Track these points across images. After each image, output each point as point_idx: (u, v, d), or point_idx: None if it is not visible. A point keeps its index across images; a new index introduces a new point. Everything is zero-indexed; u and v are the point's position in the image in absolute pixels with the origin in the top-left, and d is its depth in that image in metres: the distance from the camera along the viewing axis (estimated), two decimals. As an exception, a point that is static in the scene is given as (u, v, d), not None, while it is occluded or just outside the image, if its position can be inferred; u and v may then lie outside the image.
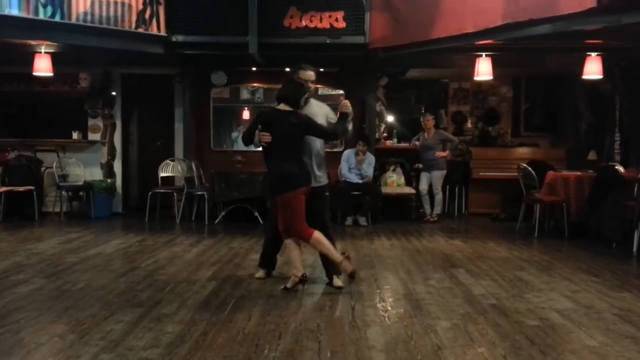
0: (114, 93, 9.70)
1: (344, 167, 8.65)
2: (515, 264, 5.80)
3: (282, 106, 4.61)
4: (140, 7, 7.79)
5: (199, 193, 8.77)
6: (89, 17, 7.43)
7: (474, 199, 9.87)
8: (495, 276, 5.24)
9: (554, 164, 8.81)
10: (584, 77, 7.97)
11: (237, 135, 10.05)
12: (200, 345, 3.36)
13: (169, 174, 9.30)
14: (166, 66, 9.29)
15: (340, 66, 9.06)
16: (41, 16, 7.16)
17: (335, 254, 4.59)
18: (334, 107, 5.04)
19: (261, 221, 8.40)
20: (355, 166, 8.60)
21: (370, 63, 8.74)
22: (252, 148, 5.21)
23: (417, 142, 9.28)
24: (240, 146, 9.87)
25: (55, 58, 8.14)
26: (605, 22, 5.81)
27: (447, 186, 9.56)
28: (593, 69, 7.77)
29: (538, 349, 3.36)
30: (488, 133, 10.61)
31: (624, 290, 4.77)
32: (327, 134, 4.74)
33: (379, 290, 4.73)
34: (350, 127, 4.85)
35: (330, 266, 4.82)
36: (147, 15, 7.85)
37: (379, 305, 4.28)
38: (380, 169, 9.27)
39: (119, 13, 7.61)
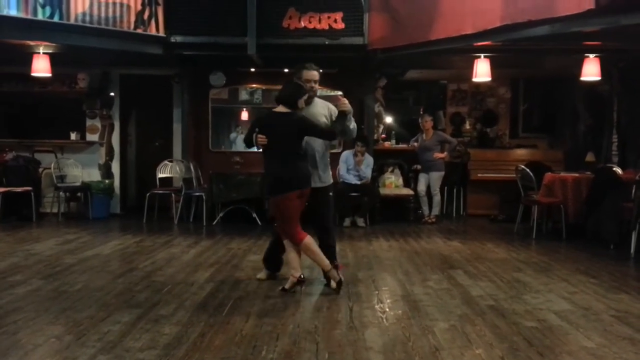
0: (112, 94, 9.69)
1: (342, 168, 8.65)
2: (513, 265, 5.80)
3: (281, 108, 4.61)
4: (139, 7, 7.79)
5: (197, 194, 8.76)
6: (87, 18, 7.43)
7: (472, 200, 9.87)
8: (493, 277, 5.25)
9: (552, 165, 8.82)
10: (582, 78, 7.98)
11: (235, 136, 10.05)
12: (198, 347, 3.35)
13: (167, 175, 9.29)
14: (165, 67, 9.28)
15: (339, 67, 9.06)
16: (40, 17, 7.16)
17: (323, 261, 4.54)
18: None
19: (259, 222, 8.39)
20: (353, 167, 8.60)
21: (369, 64, 8.74)
22: (250, 149, 5.20)
23: (415, 143, 9.29)
24: (238, 147, 9.90)
25: (53, 58, 8.13)
26: (604, 24, 5.82)
27: (446, 187, 9.57)
28: (591, 70, 7.78)
29: (536, 350, 3.36)
30: (486, 134, 10.62)
31: (621, 291, 4.78)
32: (325, 133, 4.71)
33: (377, 292, 4.73)
34: (352, 125, 4.80)
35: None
36: (145, 16, 7.85)
37: (376, 306, 4.28)
38: (379, 170, 9.27)
39: (118, 14, 7.61)
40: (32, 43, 7.80)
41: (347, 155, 8.68)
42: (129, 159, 10.48)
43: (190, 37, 8.09)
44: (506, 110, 10.79)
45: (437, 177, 9.00)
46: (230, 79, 9.69)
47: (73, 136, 9.46)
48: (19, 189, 8.61)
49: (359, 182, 8.55)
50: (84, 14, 7.41)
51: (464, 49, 7.53)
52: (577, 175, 7.58)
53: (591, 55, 7.75)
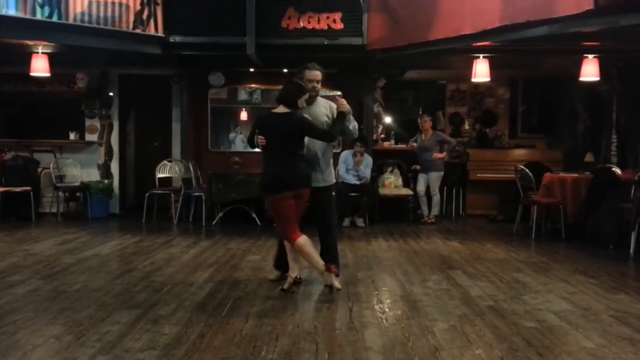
0: (111, 93, 9.68)
1: (341, 168, 8.65)
2: (513, 266, 5.80)
3: (281, 108, 4.60)
4: (138, 7, 7.79)
5: (197, 194, 8.75)
6: (86, 18, 7.42)
7: (472, 201, 9.87)
8: (493, 278, 5.25)
9: (551, 165, 8.82)
10: (581, 78, 7.99)
11: (234, 136, 10.04)
12: (197, 347, 3.35)
13: (167, 175, 9.28)
14: (164, 67, 9.28)
15: (338, 67, 9.03)
16: (38, 16, 7.16)
17: (317, 263, 4.48)
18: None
19: (259, 222, 8.39)
20: (352, 167, 8.60)
21: (368, 64, 8.75)
22: (249, 149, 5.21)
23: (414, 144, 9.29)
24: (237, 147, 9.89)
25: (52, 58, 8.12)
26: (603, 24, 5.83)
27: (445, 187, 9.56)
28: (590, 70, 7.79)
29: (535, 350, 3.36)
30: (485, 134, 10.63)
31: (620, 292, 4.78)
32: (323, 134, 4.70)
33: (376, 292, 4.73)
34: (352, 125, 4.79)
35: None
36: (144, 16, 7.85)
37: (376, 306, 4.28)
38: (378, 170, 9.27)
39: (117, 13, 7.60)
40: (30, 43, 7.80)
41: (346, 155, 8.68)
42: (128, 159, 10.48)
43: (189, 37, 8.09)
44: (505, 110, 10.79)
45: (436, 177, 9.00)
46: (229, 79, 9.70)
47: (72, 136, 9.45)
48: (18, 189, 8.61)
49: (358, 182, 8.55)
50: (82, 13, 7.41)
51: (463, 49, 7.53)
52: (576, 175, 7.58)
53: (590, 56, 7.76)
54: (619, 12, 5.60)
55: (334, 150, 8.73)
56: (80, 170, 9.40)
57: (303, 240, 4.48)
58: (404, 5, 7.71)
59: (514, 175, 8.14)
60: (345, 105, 4.67)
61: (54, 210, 9.09)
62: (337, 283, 4.74)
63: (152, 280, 4.99)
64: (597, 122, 9.44)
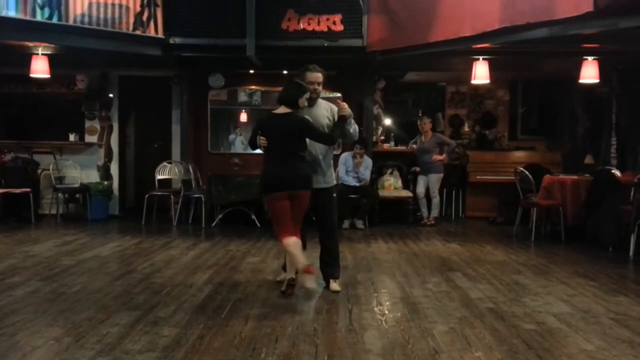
0: (111, 95, 9.68)
1: (341, 170, 8.64)
2: (512, 268, 5.80)
3: (282, 109, 4.60)
4: (138, 9, 7.79)
5: (196, 196, 8.75)
6: (86, 19, 7.43)
7: (471, 203, 9.88)
8: (492, 280, 5.24)
9: (550, 167, 8.83)
10: (581, 81, 8.00)
11: (234, 137, 10.05)
12: (197, 349, 3.35)
13: (166, 177, 9.29)
14: (164, 68, 9.28)
15: (337, 69, 9.03)
16: (38, 18, 7.16)
17: (299, 262, 4.39)
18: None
19: (258, 224, 8.39)
20: (352, 169, 8.60)
21: (368, 66, 8.75)
22: (249, 151, 5.21)
23: (414, 146, 9.29)
24: (237, 149, 9.90)
25: (52, 60, 8.12)
26: (602, 27, 5.83)
27: (444, 189, 9.57)
28: (590, 73, 7.80)
29: (535, 353, 3.36)
30: (485, 136, 10.64)
31: (620, 294, 4.78)
32: (324, 137, 4.69)
33: (376, 294, 4.73)
34: (352, 128, 4.79)
35: (328, 270, 4.82)
36: (144, 18, 7.85)
37: (376, 309, 4.28)
38: (378, 172, 9.27)
39: (117, 15, 7.61)
40: (30, 44, 7.80)
41: (346, 157, 8.68)
42: (128, 161, 10.48)
43: (189, 38, 8.10)
44: (505, 112, 10.80)
45: (435, 179, 9.00)
46: (229, 81, 9.71)
47: (72, 137, 9.45)
48: (18, 190, 8.61)
49: (357, 184, 8.55)
50: (82, 15, 7.41)
51: (462, 51, 7.53)
52: (576, 177, 7.58)
53: (590, 58, 7.77)
54: (619, 14, 5.61)
55: (334, 152, 8.84)
56: (80, 172, 9.40)
57: (290, 241, 4.43)
58: (404, 7, 7.72)
59: (513, 178, 8.14)
60: (346, 109, 4.67)
61: (54, 211, 9.08)
62: (336, 285, 4.75)
63: (152, 282, 4.98)
64: (596, 124, 9.45)
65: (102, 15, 7.51)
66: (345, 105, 4.69)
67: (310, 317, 4.06)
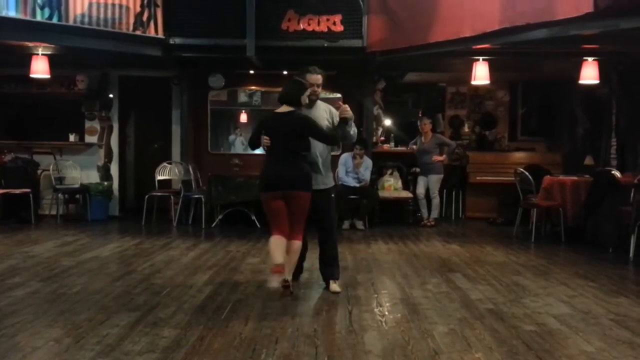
0: (111, 95, 9.68)
1: (341, 171, 8.64)
2: (512, 269, 5.80)
3: (284, 108, 4.60)
4: (138, 9, 7.80)
5: (196, 196, 8.75)
6: (86, 19, 7.43)
7: (471, 203, 9.88)
8: (492, 281, 5.24)
9: (550, 168, 8.83)
10: (581, 81, 8.00)
11: (234, 138, 10.05)
12: (197, 350, 3.34)
13: (166, 177, 9.29)
14: (164, 69, 9.28)
15: (337, 69, 9.04)
16: (39, 18, 7.16)
17: (275, 259, 4.38)
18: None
19: (258, 225, 8.38)
20: (352, 170, 8.60)
21: (368, 66, 8.75)
22: (249, 151, 5.22)
23: (414, 146, 9.29)
24: (237, 149, 9.90)
25: (52, 60, 8.12)
26: (602, 27, 5.83)
27: (444, 190, 9.57)
28: (590, 73, 7.80)
29: (535, 354, 3.36)
30: (485, 137, 10.64)
31: (620, 295, 4.78)
32: (326, 137, 4.69)
33: (376, 295, 4.72)
34: (352, 130, 4.81)
35: (328, 271, 4.82)
36: (144, 18, 7.85)
37: (376, 309, 4.28)
38: (378, 172, 9.27)
39: (117, 15, 7.61)
40: (30, 44, 7.80)
41: (345, 157, 8.67)
42: (128, 161, 10.47)
43: (189, 39, 8.10)
44: (505, 113, 10.80)
45: (435, 179, 8.99)
46: (229, 81, 9.71)
47: (72, 138, 9.45)
48: (18, 191, 8.60)
49: (357, 185, 8.55)
50: (82, 15, 7.41)
51: (462, 51, 7.53)
52: (575, 178, 7.59)
53: (590, 59, 7.77)
54: (619, 15, 5.61)
55: (334, 153, 8.84)
56: (80, 172, 9.40)
57: (274, 238, 4.47)
58: (404, 8, 7.72)
59: (513, 178, 8.14)
60: (348, 111, 4.68)
61: (54, 212, 9.08)
62: (336, 286, 4.75)
63: (152, 283, 4.98)
64: (596, 125, 9.45)
65: (102, 16, 7.51)
66: (347, 107, 4.71)
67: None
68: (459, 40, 7.02)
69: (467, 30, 6.89)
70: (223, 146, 10.04)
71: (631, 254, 6.35)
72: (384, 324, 3.93)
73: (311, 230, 4.87)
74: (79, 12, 7.39)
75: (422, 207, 9.06)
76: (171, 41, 8.05)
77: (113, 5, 7.58)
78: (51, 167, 9.16)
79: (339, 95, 9.48)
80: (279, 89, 4.90)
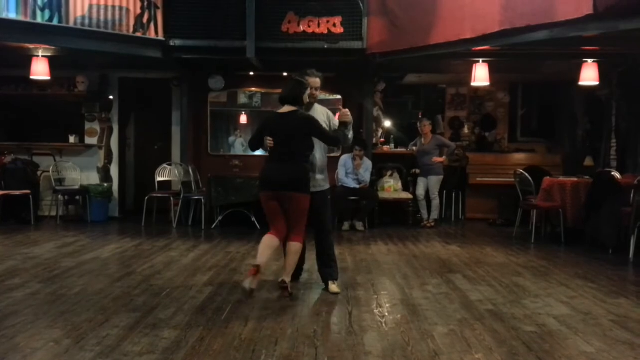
0: (111, 97, 9.68)
1: (341, 172, 8.65)
2: (512, 270, 5.80)
3: (286, 108, 4.61)
4: (138, 11, 7.80)
5: (196, 197, 8.75)
6: (86, 21, 7.44)
7: (471, 205, 9.88)
8: (492, 282, 5.24)
9: (550, 169, 8.84)
10: (581, 83, 8.00)
11: (234, 139, 10.06)
12: (197, 351, 3.34)
13: (166, 178, 9.29)
14: (164, 70, 9.29)
15: (338, 71, 9.07)
16: (39, 20, 7.17)
17: (258, 258, 4.43)
18: (332, 112, 5.07)
19: (258, 226, 8.38)
20: (352, 171, 8.60)
21: (368, 68, 8.76)
22: (249, 153, 5.23)
23: (414, 148, 9.30)
24: (237, 150, 9.91)
25: (52, 62, 8.13)
26: (603, 29, 5.84)
27: (444, 191, 9.57)
28: (590, 75, 7.80)
29: (535, 355, 3.36)
30: (485, 139, 10.65)
31: (620, 296, 4.78)
32: (330, 138, 4.70)
33: (376, 296, 4.72)
34: (350, 134, 4.87)
35: (327, 272, 4.83)
36: (145, 20, 7.86)
37: (376, 310, 4.27)
38: (378, 174, 9.27)
39: (117, 17, 7.61)
40: (31, 46, 7.80)
41: (345, 159, 8.68)
42: (128, 162, 10.48)
43: (189, 40, 8.11)
44: (505, 114, 10.81)
45: (435, 181, 9.00)
46: (229, 83, 9.72)
47: (72, 139, 9.46)
48: (18, 192, 8.60)
49: (357, 186, 8.55)
50: (83, 17, 7.42)
51: (462, 53, 7.55)
52: (575, 179, 7.59)
53: (590, 60, 7.78)
54: (619, 17, 5.62)
55: (334, 154, 8.86)
56: (80, 174, 9.41)
57: (266, 237, 4.52)
58: (404, 10, 7.73)
59: (513, 180, 8.14)
60: (348, 115, 4.73)
61: (54, 213, 9.08)
62: (335, 287, 4.76)
63: (152, 284, 4.98)
64: (596, 127, 9.45)
65: (102, 18, 7.52)
66: (347, 111, 4.76)
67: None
68: (459, 41, 7.03)
69: (467, 32, 6.90)
70: (223, 147, 10.05)
71: (631, 255, 6.36)
72: (384, 324, 3.93)
73: (309, 231, 4.87)
74: (79, 14, 7.40)
75: (422, 208, 9.06)
76: (171, 43, 8.06)
77: (113, 7, 7.59)
78: (51, 168, 9.16)
79: (339, 96, 9.52)
80: (279, 91, 4.91)
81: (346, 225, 8.52)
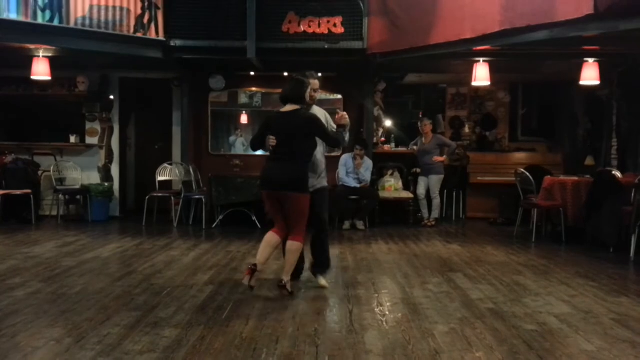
0: (112, 97, 9.69)
1: (341, 171, 8.65)
2: (513, 269, 5.80)
3: (288, 107, 4.61)
4: (139, 11, 7.81)
5: (197, 197, 8.76)
6: (87, 22, 7.45)
7: (472, 204, 9.88)
8: (493, 280, 5.25)
9: (551, 169, 8.84)
10: (581, 83, 8.00)
11: (235, 139, 10.06)
12: (198, 350, 3.35)
13: (167, 178, 9.30)
14: (164, 70, 9.30)
15: (338, 71, 9.08)
16: (40, 20, 7.18)
17: (258, 257, 4.55)
18: (332, 112, 5.09)
19: (259, 225, 8.39)
20: (353, 170, 8.61)
21: (369, 68, 8.76)
22: (249, 152, 5.24)
23: (415, 147, 9.30)
24: (238, 150, 9.91)
25: (53, 62, 8.13)
26: (603, 29, 5.84)
27: (445, 191, 9.57)
28: (590, 74, 7.81)
29: (536, 353, 3.36)
30: (485, 138, 10.65)
31: (621, 295, 4.78)
32: (331, 138, 4.71)
33: (376, 295, 4.73)
34: (347, 136, 4.90)
35: (316, 265, 4.93)
36: (145, 20, 7.87)
37: (376, 309, 4.28)
38: (378, 173, 9.29)
39: (118, 17, 7.62)
40: (32, 46, 7.82)
41: (346, 158, 8.68)
42: (129, 162, 10.49)
43: (190, 40, 8.12)
44: (505, 114, 10.82)
45: (436, 180, 9.00)
46: (230, 83, 9.73)
47: (72, 139, 9.47)
48: (19, 192, 8.61)
49: (358, 185, 8.56)
50: (83, 17, 7.43)
51: (463, 53, 7.55)
52: (576, 178, 7.59)
53: (590, 60, 7.78)
54: (619, 17, 5.62)
55: (334, 154, 8.87)
56: (81, 173, 9.42)
57: (268, 235, 4.61)
58: (405, 10, 7.73)
59: (514, 179, 8.14)
60: (346, 119, 4.76)
61: (55, 213, 9.09)
62: (323, 281, 4.87)
63: (152, 283, 4.99)
64: (597, 126, 9.45)
65: (103, 18, 7.52)
66: (345, 115, 4.79)
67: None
68: (460, 41, 7.03)
69: (467, 32, 6.90)
70: (223, 147, 10.06)
71: (632, 254, 6.36)
72: (384, 323, 3.93)
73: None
74: (79, 14, 7.41)
75: (422, 207, 9.06)
76: (172, 43, 8.06)
77: (114, 7, 7.60)
78: (52, 168, 9.18)
79: (339, 96, 9.52)
80: (280, 91, 4.92)
81: (347, 225, 8.53)
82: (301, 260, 4.98)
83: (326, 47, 8.02)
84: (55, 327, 3.75)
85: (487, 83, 8.33)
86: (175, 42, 8.08)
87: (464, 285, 5.03)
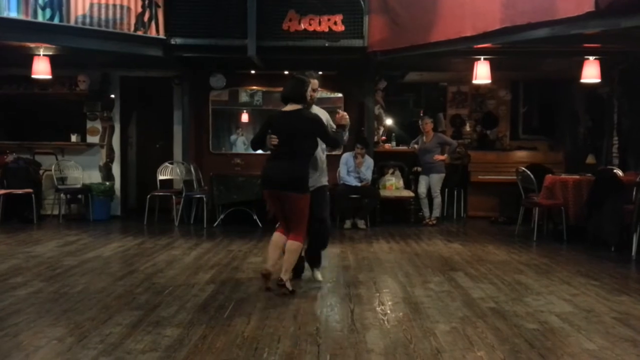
0: (112, 96, 9.69)
1: (342, 170, 8.65)
2: (514, 268, 5.80)
3: (289, 106, 4.61)
4: (139, 10, 7.81)
5: (198, 196, 8.76)
6: (87, 20, 7.45)
7: (473, 202, 9.88)
8: (494, 279, 5.24)
9: (552, 167, 8.82)
10: (582, 80, 7.99)
11: (235, 138, 10.06)
12: (199, 349, 3.35)
13: (168, 177, 9.30)
14: (165, 69, 9.29)
15: (339, 69, 9.07)
16: (40, 19, 7.18)
17: (270, 261, 4.66)
18: (332, 111, 5.08)
19: (260, 224, 8.39)
20: (353, 169, 8.60)
21: (369, 66, 8.75)
22: (250, 151, 5.24)
23: (415, 146, 9.30)
24: (238, 149, 9.91)
25: (54, 60, 8.13)
26: (604, 26, 5.83)
27: (446, 189, 9.57)
28: (591, 72, 7.79)
29: (537, 352, 3.36)
30: (486, 136, 10.64)
31: (623, 293, 4.77)
32: (331, 139, 4.73)
33: (378, 294, 4.73)
34: (346, 136, 4.91)
35: (313, 258, 5.00)
36: (146, 18, 7.87)
37: (378, 308, 4.28)
38: (379, 172, 9.28)
39: (118, 16, 7.62)
40: (32, 45, 7.81)
41: (347, 157, 8.68)
42: (130, 161, 10.49)
43: (190, 39, 8.11)
44: (506, 112, 10.81)
45: (437, 179, 9.00)
46: (231, 81, 9.72)
47: (73, 138, 9.47)
48: (20, 191, 8.62)
49: (359, 184, 8.55)
50: (84, 16, 7.43)
51: (464, 51, 7.54)
52: (577, 177, 7.58)
53: (591, 58, 7.76)
54: (620, 14, 5.61)
55: (335, 153, 8.86)
56: (82, 172, 9.42)
57: (275, 235, 4.69)
58: (405, 7, 7.72)
59: (515, 177, 8.14)
60: (346, 119, 4.76)
61: (56, 212, 9.10)
62: (319, 275, 4.98)
63: (154, 282, 4.99)
64: (598, 124, 9.44)
65: (103, 16, 7.52)
66: (345, 115, 4.79)
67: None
68: (460, 39, 7.03)
69: (468, 30, 6.89)
70: (224, 146, 10.06)
71: (633, 253, 6.35)
72: (386, 322, 3.93)
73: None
74: (80, 12, 7.41)
75: (423, 206, 9.06)
76: (172, 41, 8.06)
77: (114, 5, 7.60)
78: (53, 167, 9.17)
79: (340, 95, 9.51)
80: (280, 89, 4.92)
81: (348, 224, 8.53)
82: (301, 258, 4.98)
83: (326, 45, 8.02)
84: (57, 326, 3.75)
85: (488, 81, 8.32)
86: (176, 41, 8.08)
87: (465, 284, 5.03)
